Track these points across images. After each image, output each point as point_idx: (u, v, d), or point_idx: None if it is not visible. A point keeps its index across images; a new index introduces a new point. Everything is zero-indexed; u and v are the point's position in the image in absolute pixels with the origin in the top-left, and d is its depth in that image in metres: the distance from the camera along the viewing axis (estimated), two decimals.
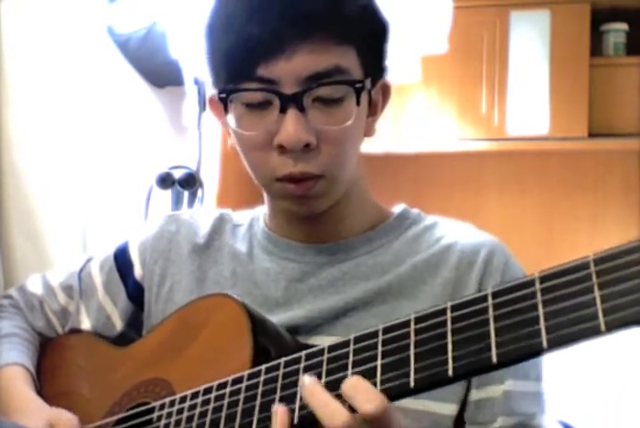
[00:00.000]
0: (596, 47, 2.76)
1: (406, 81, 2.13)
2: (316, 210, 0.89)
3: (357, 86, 0.83)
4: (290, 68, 0.80)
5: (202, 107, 1.81)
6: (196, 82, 1.77)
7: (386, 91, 0.93)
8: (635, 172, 2.85)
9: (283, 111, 0.82)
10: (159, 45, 1.79)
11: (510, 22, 2.75)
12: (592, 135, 2.68)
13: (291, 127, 0.81)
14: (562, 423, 1.22)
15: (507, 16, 2.75)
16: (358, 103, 0.84)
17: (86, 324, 1.05)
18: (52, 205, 1.68)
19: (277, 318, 0.87)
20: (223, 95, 0.84)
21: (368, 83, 0.86)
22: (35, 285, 1.10)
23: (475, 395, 0.86)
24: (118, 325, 1.03)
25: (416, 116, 2.79)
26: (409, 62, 2.09)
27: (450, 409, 0.85)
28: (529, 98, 2.73)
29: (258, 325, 0.82)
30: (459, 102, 2.77)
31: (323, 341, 0.87)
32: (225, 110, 0.86)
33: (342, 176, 0.88)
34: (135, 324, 1.03)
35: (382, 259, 0.92)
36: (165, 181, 1.81)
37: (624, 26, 2.77)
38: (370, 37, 0.86)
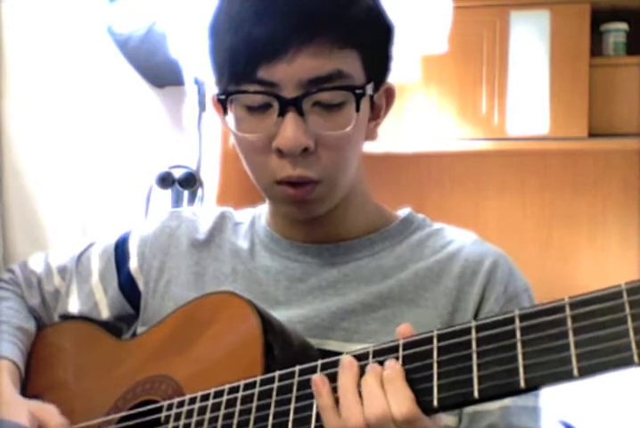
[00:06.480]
0: (596, 47, 2.75)
1: (406, 81, 2.13)
2: (315, 215, 0.89)
3: (358, 91, 0.82)
4: (291, 71, 0.79)
5: (202, 107, 1.81)
6: (196, 82, 1.76)
7: (390, 94, 0.93)
8: (635, 172, 2.85)
9: (282, 114, 0.81)
10: (158, 45, 1.79)
11: (510, 22, 2.75)
12: (592, 135, 2.67)
13: (289, 130, 0.80)
14: (562, 423, 1.22)
15: (507, 16, 2.75)
16: (358, 110, 0.83)
17: (73, 306, 1.05)
18: (52, 204, 1.68)
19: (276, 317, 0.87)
20: (222, 97, 0.84)
21: (370, 88, 0.85)
22: (36, 263, 1.11)
23: (470, 407, 0.84)
24: (105, 313, 1.03)
25: (416, 116, 2.79)
26: (409, 62, 2.09)
27: (452, 421, 0.84)
28: (529, 98, 2.72)
29: (268, 324, 0.81)
30: (459, 102, 2.77)
31: (321, 344, 0.87)
32: (225, 111, 0.85)
33: (341, 181, 0.87)
34: (122, 316, 1.03)
35: (384, 263, 0.91)
36: (165, 180, 1.81)
37: (624, 26, 2.77)
38: (374, 41, 0.86)
